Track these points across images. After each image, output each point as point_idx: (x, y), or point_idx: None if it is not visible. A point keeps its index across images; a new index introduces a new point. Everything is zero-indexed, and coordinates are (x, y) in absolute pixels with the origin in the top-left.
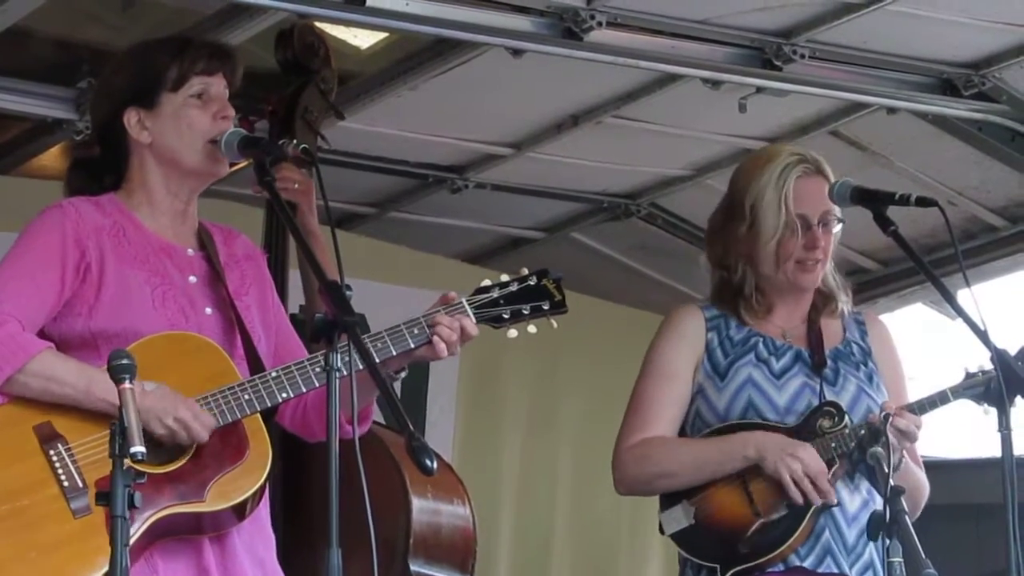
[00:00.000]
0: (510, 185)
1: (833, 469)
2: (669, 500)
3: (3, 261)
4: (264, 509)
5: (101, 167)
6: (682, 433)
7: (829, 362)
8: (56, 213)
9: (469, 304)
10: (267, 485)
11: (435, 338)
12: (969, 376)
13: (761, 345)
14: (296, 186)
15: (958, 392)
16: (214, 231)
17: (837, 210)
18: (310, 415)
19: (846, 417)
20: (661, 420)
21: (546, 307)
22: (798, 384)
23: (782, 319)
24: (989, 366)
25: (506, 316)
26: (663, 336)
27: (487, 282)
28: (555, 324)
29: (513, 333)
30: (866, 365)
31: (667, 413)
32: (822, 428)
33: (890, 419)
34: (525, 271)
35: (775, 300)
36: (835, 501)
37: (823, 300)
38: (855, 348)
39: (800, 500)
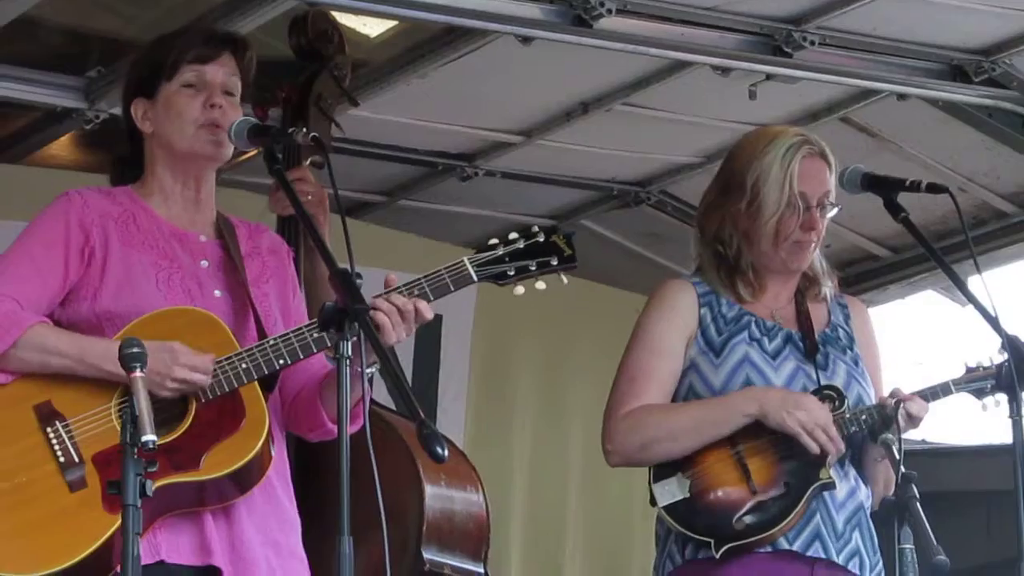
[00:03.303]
0: (520, 173)
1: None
2: (663, 471)
3: (9, 248)
4: (282, 490)
5: (130, 160)
6: None
7: (819, 347)
8: (61, 201)
9: (471, 263)
10: (286, 465)
11: (377, 318)
12: (970, 370)
13: (753, 325)
14: (309, 198)
15: (960, 385)
16: (239, 225)
17: (833, 194)
18: (298, 412)
19: (846, 401)
20: (654, 392)
21: (555, 263)
22: (792, 367)
23: (771, 299)
24: (988, 362)
25: (511, 273)
26: (655, 309)
27: (494, 240)
28: (565, 280)
29: (520, 290)
30: (851, 349)
31: (660, 387)
32: None
33: (901, 405)
34: (535, 228)
35: (767, 279)
36: (843, 449)
37: (808, 283)
38: (841, 332)
39: (816, 450)
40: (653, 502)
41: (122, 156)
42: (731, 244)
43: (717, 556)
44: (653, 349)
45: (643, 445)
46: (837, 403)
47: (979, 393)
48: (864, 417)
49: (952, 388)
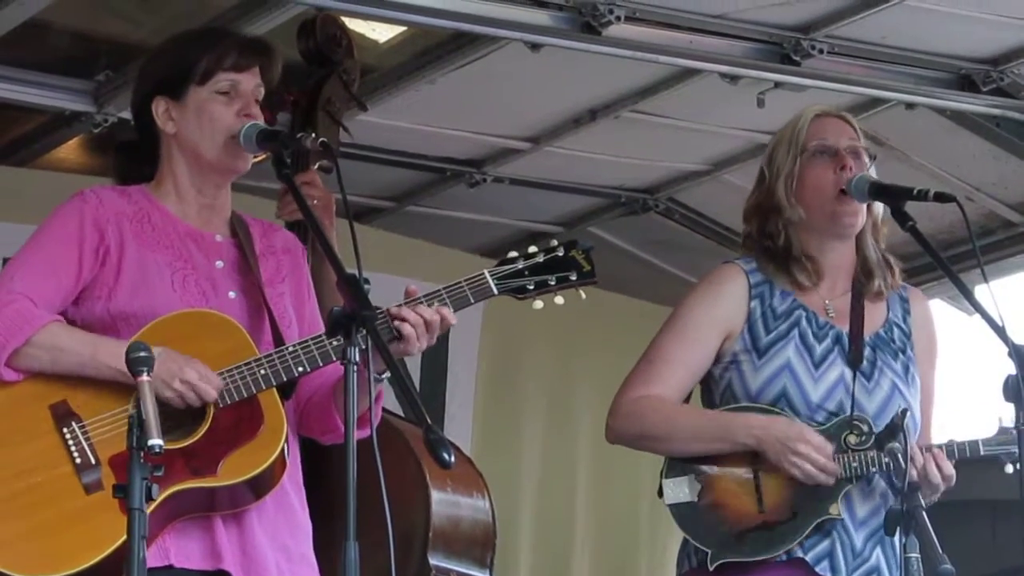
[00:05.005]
0: (528, 179)
1: (845, 489)
2: (677, 469)
3: (23, 247)
4: (295, 495)
5: (140, 153)
6: (711, 405)
7: (868, 351)
8: (76, 200)
9: (491, 275)
10: (299, 470)
11: (404, 329)
12: (1003, 431)
13: (804, 321)
14: (315, 202)
15: (991, 445)
16: (252, 223)
17: (869, 145)
18: (311, 415)
19: (872, 438)
20: (670, 380)
21: (574, 278)
22: (834, 377)
23: (827, 289)
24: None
25: (530, 287)
26: (699, 295)
27: (513, 253)
28: (583, 295)
29: (539, 304)
30: (904, 353)
31: (679, 375)
32: (847, 443)
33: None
34: (554, 242)
35: (822, 264)
36: (840, 476)
37: (865, 275)
38: (896, 333)
39: (818, 483)
40: (661, 494)
41: (126, 143)
42: (778, 234)
43: (711, 568)
44: (682, 336)
45: (640, 436)
46: (864, 439)
47: (1008, 456)
48: (887, 461)
49: (981, 449)
